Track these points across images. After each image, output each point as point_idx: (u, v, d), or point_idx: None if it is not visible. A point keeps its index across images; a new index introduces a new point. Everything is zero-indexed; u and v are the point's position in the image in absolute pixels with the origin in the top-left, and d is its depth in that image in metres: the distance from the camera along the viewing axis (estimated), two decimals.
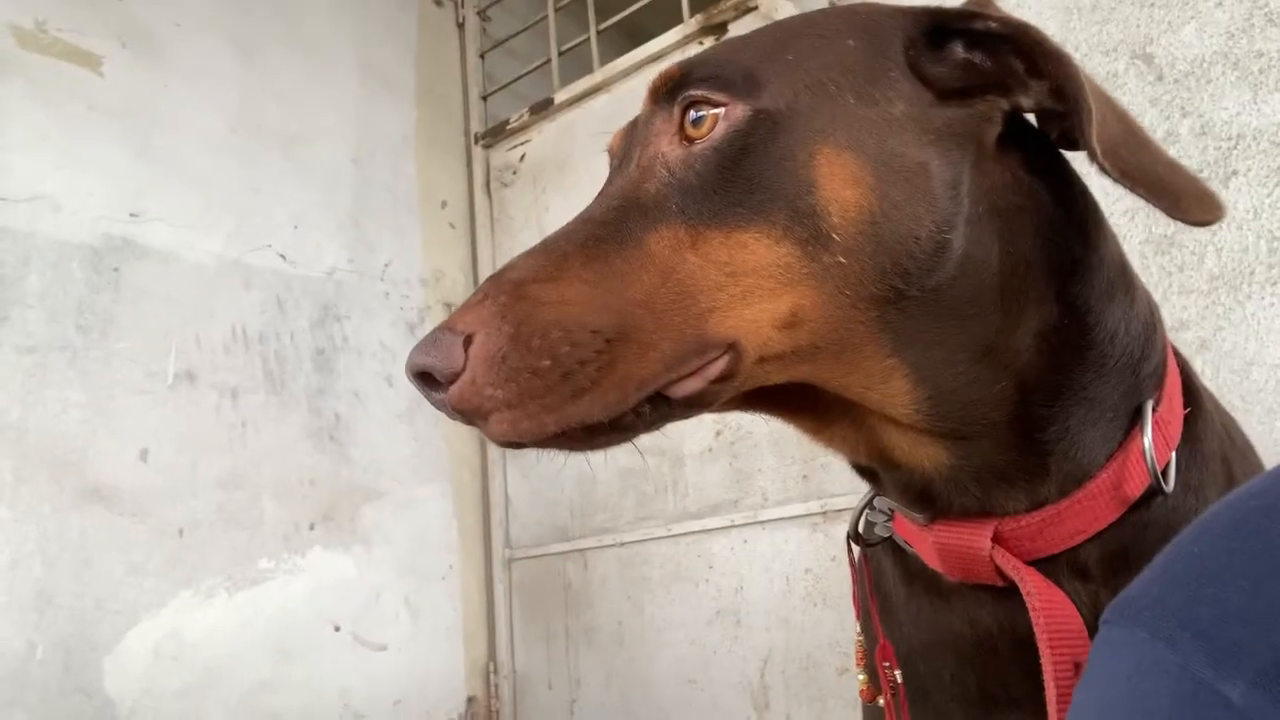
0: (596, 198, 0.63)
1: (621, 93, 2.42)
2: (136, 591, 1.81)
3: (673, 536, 2.16)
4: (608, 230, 0.58)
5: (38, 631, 1.68)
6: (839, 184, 0.57)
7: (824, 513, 1.92)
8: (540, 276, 0.56)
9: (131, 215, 1.94)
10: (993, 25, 0.60)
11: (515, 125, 2.65)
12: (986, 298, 0.60)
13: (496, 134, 2.70)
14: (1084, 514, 0.61)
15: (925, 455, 0.63)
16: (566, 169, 2.53)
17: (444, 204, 2.63)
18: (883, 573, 0.76)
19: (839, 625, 1.88)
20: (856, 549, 0.78)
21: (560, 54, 2.58)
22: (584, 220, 0.60)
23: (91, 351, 1.83)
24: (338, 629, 2.10)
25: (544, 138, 2.61)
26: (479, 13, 2.82)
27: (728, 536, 2.07)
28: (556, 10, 2.62)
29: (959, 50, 0.61)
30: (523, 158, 2.65)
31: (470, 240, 2.68)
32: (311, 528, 2.10)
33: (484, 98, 2.77)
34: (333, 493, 2.16)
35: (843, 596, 1.88)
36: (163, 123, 2.04)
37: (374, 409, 2.29)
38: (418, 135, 2.60)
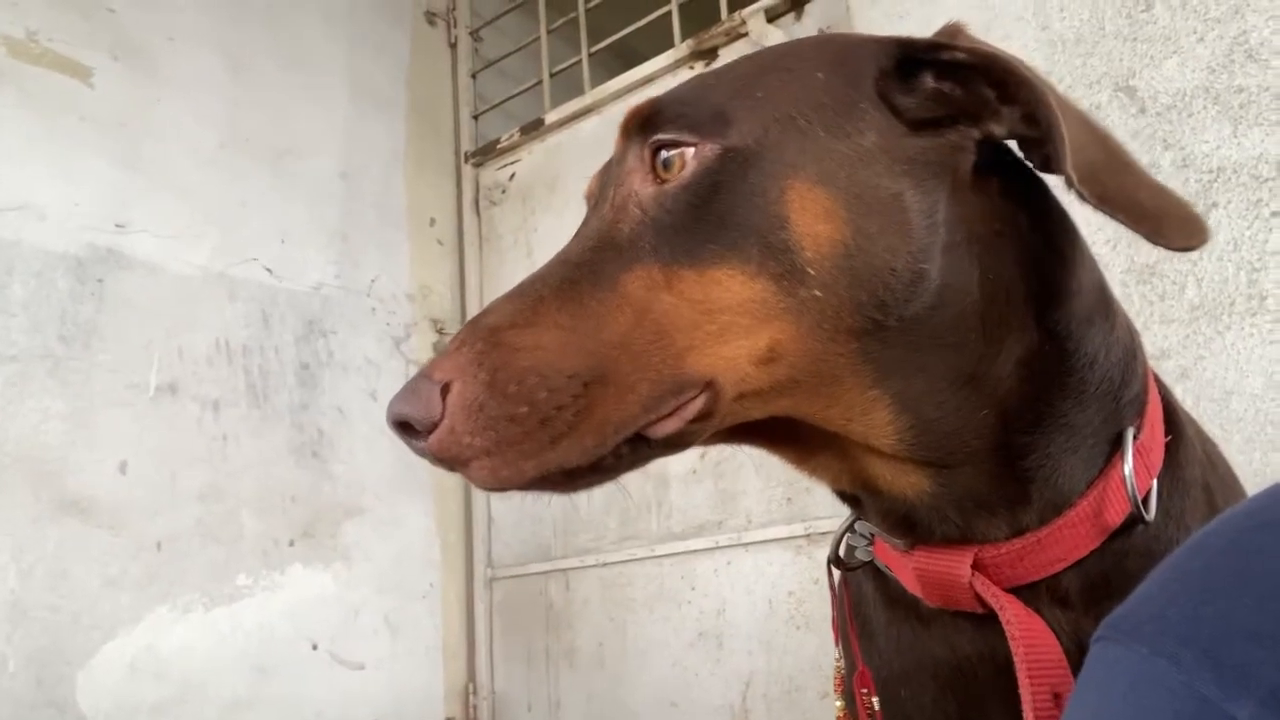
0: (573, 238, 0.63)
1: (612, 115, 2.44)
2: (112, 605, 1.79)
3: (656, 557, 2.15)
4: (583, 272, 0.58)
5: (10, 644, 1.65)
6: (811, 218, 0.57)
7: (807, 535, 1.93)
8: (517, 322, 0.56)
9: (117, 226, 1.94)
10: (960, 55, 0.60)
11: (505, 145, 2.66)
12: (967, 326, 0.60)
13: (486, 153, 2.71)
14: (1064, 542, 0.61)
15: (907, 484, 0.63)
16: (556, 189, 2.54)
17: (432, 221, 2.63)
18: (863, 597, 0.76)
19: (821, 649, 1.88)
20: (837, 573, 0.77)
21: (552, 75, 2.60)
22: (560, 262, 0.60)
23: (73, 361, 1.82)
24: (315, 647, 2.08)
25: (534, 158, 2.62)
26: (471, 33, 2.84)
27: (711, 558, 2.07)
28: (549, 32, 2.64)
29: (929, 80, 0.61)
30: (512, 177, 2.66)
31: (458, 258, 2.68)
32: (291, 544, 2.08)
33: (475, 117, 2.78)
34: (314, 509, 2.14)
35: (825, 619, 1.88)
36: (152, 134, 2.04)
37: (358, 425, 2.27)
38: (408, 152, 2.60)
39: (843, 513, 0.75)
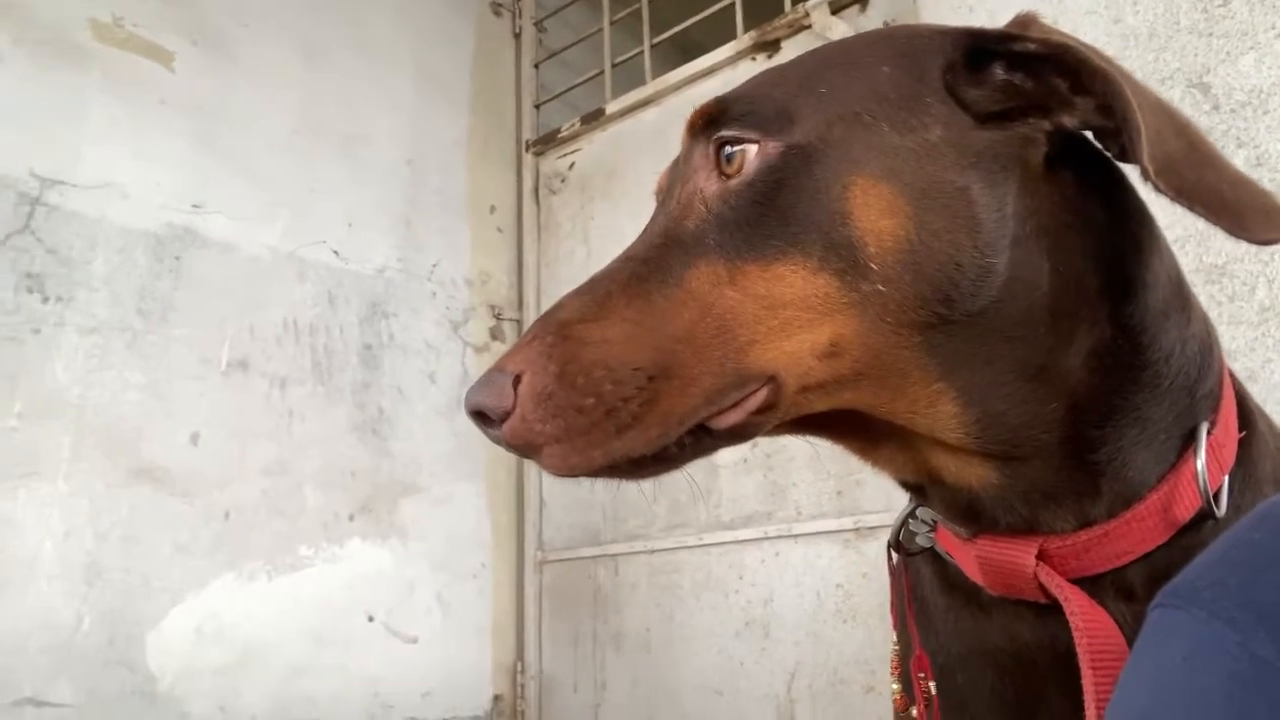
0: (640, 235, 0.64)
1: (672, 105, 2.46)
2: (181, 570, 1.86)
3: (704, 545, 2.17)
4: (649, 268, 0.60)
5: (85, 603, 1.73)
6: (874, 214, 0.57)
7: (857, 529, 1.93)
8: (585, 316, 0.59)
9: (194, 206, 2.01)
10: (1032, 47, 0.60)
11: (566, 134, 2.69)
12: (1036, 319, 0.59)
13: (547, 142, 2.74)
14: (1132, 535, 0.61)
15: (973, 475, 0.63)
16: (615, 178, 2.56)
17: (493, 208, 2.68)
18: (922, 582, 0.76)
19: (868, 642, 1.88)
20: (896, 556, 0.78)
21: (613, 66, 2.62)
22: (627, 259, 0.62)
23: (150, 335, 1.89)
24: (371, 619, 2.14)
25: (594, 147, 2.65)
26: (535, 23, 2.88)
27: (759, 548, 2.08)
28: (611, 23, 2.66)
29: (999, 72, 0.61)
30: (572, 166, 2.69)
31: (517, 245, 2.72)
32: (351, 518, 2.15)
33: (537, 106, 2.82)
34: (373, 485, 2.20)
35: (872, 614, 1.88)
36: (228, 118, 2.11)
37: (416, 405, 2.33)
38: (470, 140, 2.65)
39: (894, 508, 0.75)
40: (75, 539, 1.74)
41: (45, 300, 1.77)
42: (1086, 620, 0.59)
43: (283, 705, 1.96)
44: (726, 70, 2.33)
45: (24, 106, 1.81)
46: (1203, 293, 1.44)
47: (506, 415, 0.57)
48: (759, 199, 0.59)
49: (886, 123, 0.59)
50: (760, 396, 0.57)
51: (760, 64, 2.26)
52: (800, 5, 2.19)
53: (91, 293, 1.83)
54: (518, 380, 0.57)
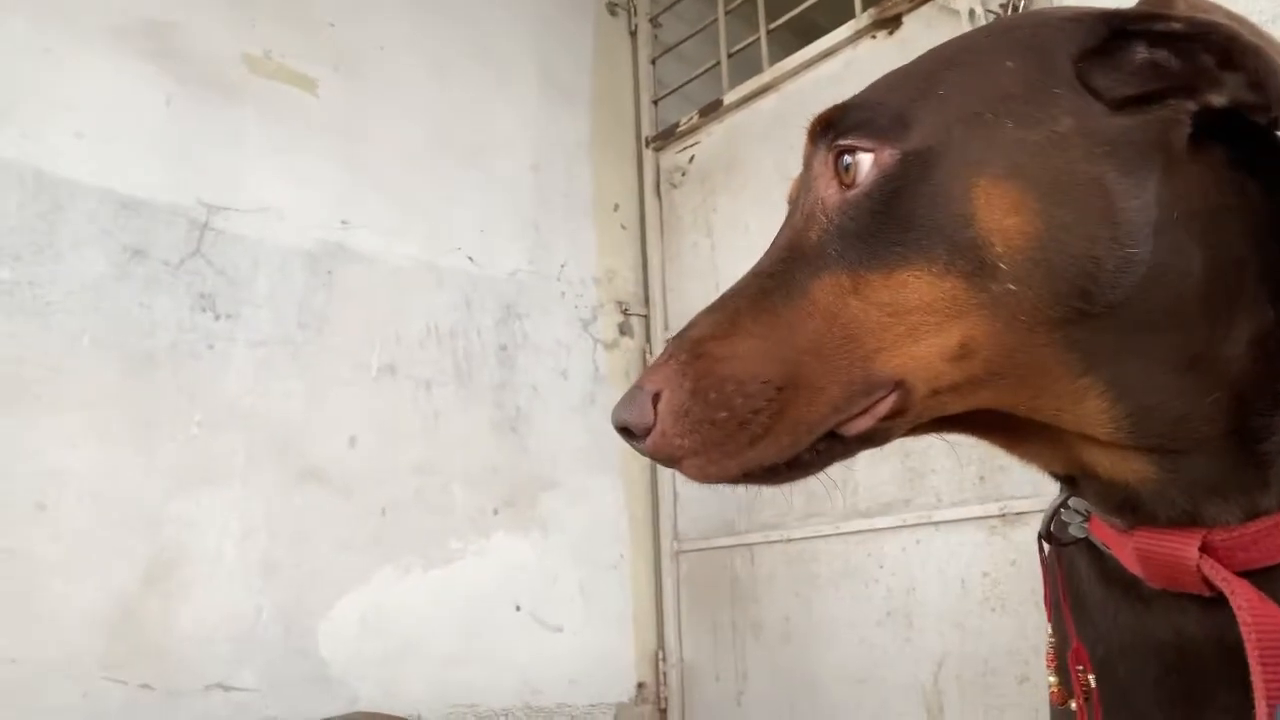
0: (768, 249, 0.66)
1: (790, 91, 2.43)
2: (345, 565, 1.99)
3: (841, 535, 2.15)
4: (775, 282, 0.62)
5: (264, 596, 1.88)
6: (999, 213, 0.56)
7: (1003, 515, 1.87)
8: (716, 333, 0.61)
9: (342, 223, 2.14)
10: (1177, 26, 0.58)
11: (684, 128, 2.71)
12: (1188, 307, 0.58)
13: (666, 137, 2.76)
14: None
15: (1129, 470, 0.61)
16: (734, 169, 2.56)
17: (616, 206, 2.72)
18: (1077, 573, 0.74)
19: (1019, 633, 1.83)
20: (1048, 548, 0.76)
21: (730, 56, 2.62)
22: (754, 274, 0.64)
23: (309, 346, 2.03)
24: (518, 609, 2.23)
25: (712, 139, 2.65)
26: (651, 19, 2.90)
27: (899, 536, 2.05)
28: (727, 13, 2.66)
29: (1141, 53, 0.59)
30: (691, 159, 2.70)
31: (640, 241, 2.76)
32: (495, 513, 2.24)
33: (655, 102, 2.85)
34: (513, 480, 2.29)
35: (1023, 603, 1.82)
36: (368, 138, 2.23)
37: (550, 402, 2.40)
38: (592, 140, 2.70)
39: (1041, 493, 0.74)
40: (252, 538, 1.89)
41: (217, 318, 1.93)
42: (1255, 615, 0.57)
43: (441, 691, 2.07)
44: (847, 50, 2.29)
45: (190, 140, 1.97)
46: None
47: (649, 431, 0.60)
48: (878, 208, 0.59)
49: (1010, 119, 0.59)
50: (889, 402, 0.58)
51: (881, 42, 2.21)
52: None
53: (256, 309, 1.98)
54: (657, 397, 0.60)
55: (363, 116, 2.23)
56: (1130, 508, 0.63)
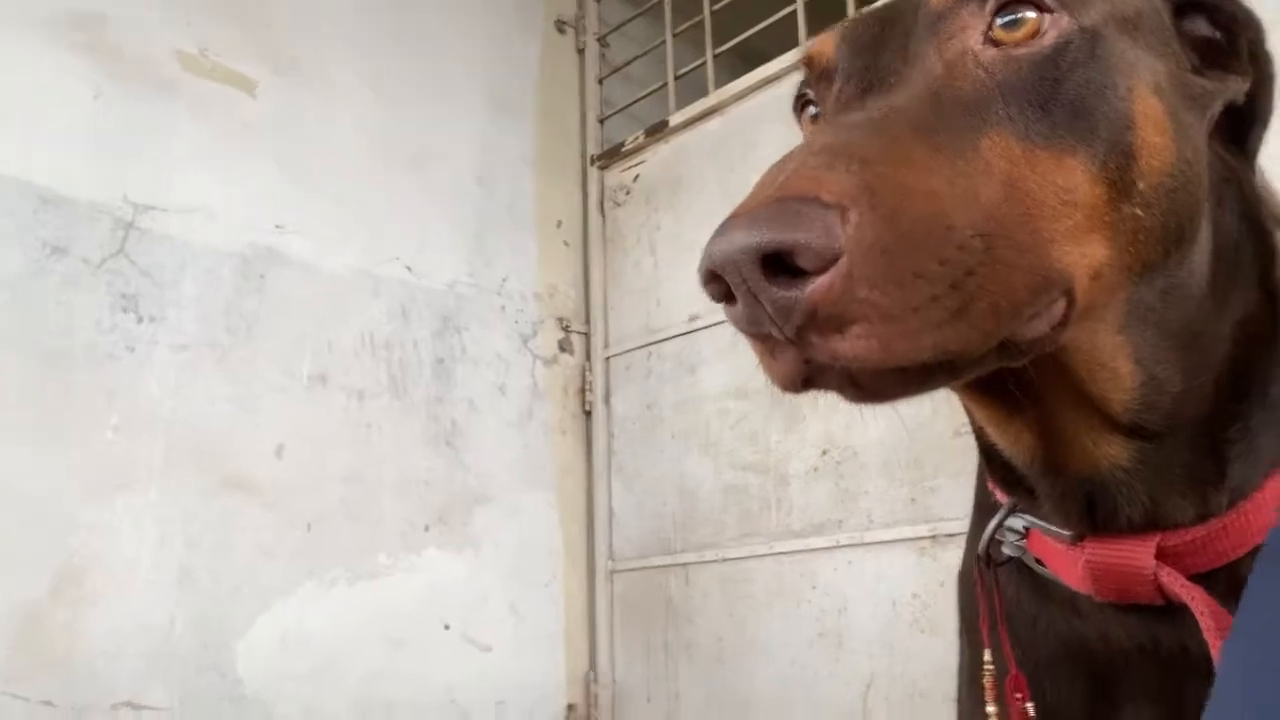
0: (890, 89, 0.54)
1: (734, 115, 2.46)
2: (267, 577, 1.92)
3: (775, 555, 2.15)
4: (935, 122, 0.50)
5: (179, 607, 1.81)
6: (1151, 126, 0.54)
7: (933, 536, 1.89)
8: (896, 158, 0.46)
9: (277, 227, 2.09)
10: (1232, 9, 0.61)
11: (630, 147, 2.72)
12: (1200, 280, 0.58)
13: (612, 155, 2.77)
14: (1248, 526, 0.58)
15: (1104, 455, 0.60)
16: (679, 189, 2.58)
17: (559, 223, 2.72)
18: (1005, 594, 0.73)
19: (947, 653, 1.83)
20: (987, 572, 0.74)
21: (676, 78, 2.64)
22: (890, 109, 0.51)
23: (237, 351, 1.97)
24: (447, 627, 2.18)
25: (658, 159, 2.67)
26: (599, 39, 2.92)
27: (832, 557, 2.06)
28: (674, 35, 2.68)
29: (1203, 26, 0.61)
30: (636, 178, 2.71)
31: (583, 258, 2.75)
32: (426, 528, 2.19)
33: (601, 120, 2.86)
34: (447, 495, 2.25)
35: (951, 624, 1.84)
36: (308, 142, 2.19)
37: (487, 417, 2.37)
38: (537, 156, 2.70)
39: (971, 514, 0.73)
40: (168, 546, 1.82)
41: (139, 320, 1.86)
42: (1218, 620, 0.55)
43: (364, 712, 2.00)
44: (790, 77, 2.33)
45: (118, 136, 1.91)
46: None
47: (830, 262, 0.42)
48: (1050, 77, 0.53)
49: (1147, 40, 0.58)
50: (1061, 305, 0.50)
51: None
52: (860, 10, 2.18)
53: (181, 311, 1.92)
54: (844, 215, 0.42)
55: (303, 120, 2.19)
56: (1090, 507, 0.62)
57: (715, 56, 2.54)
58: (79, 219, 1.82)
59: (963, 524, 1.85)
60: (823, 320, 0.43)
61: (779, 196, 0.42)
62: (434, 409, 2.27)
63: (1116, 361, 0.56)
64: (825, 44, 0.62)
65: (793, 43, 2.34)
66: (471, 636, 2.21)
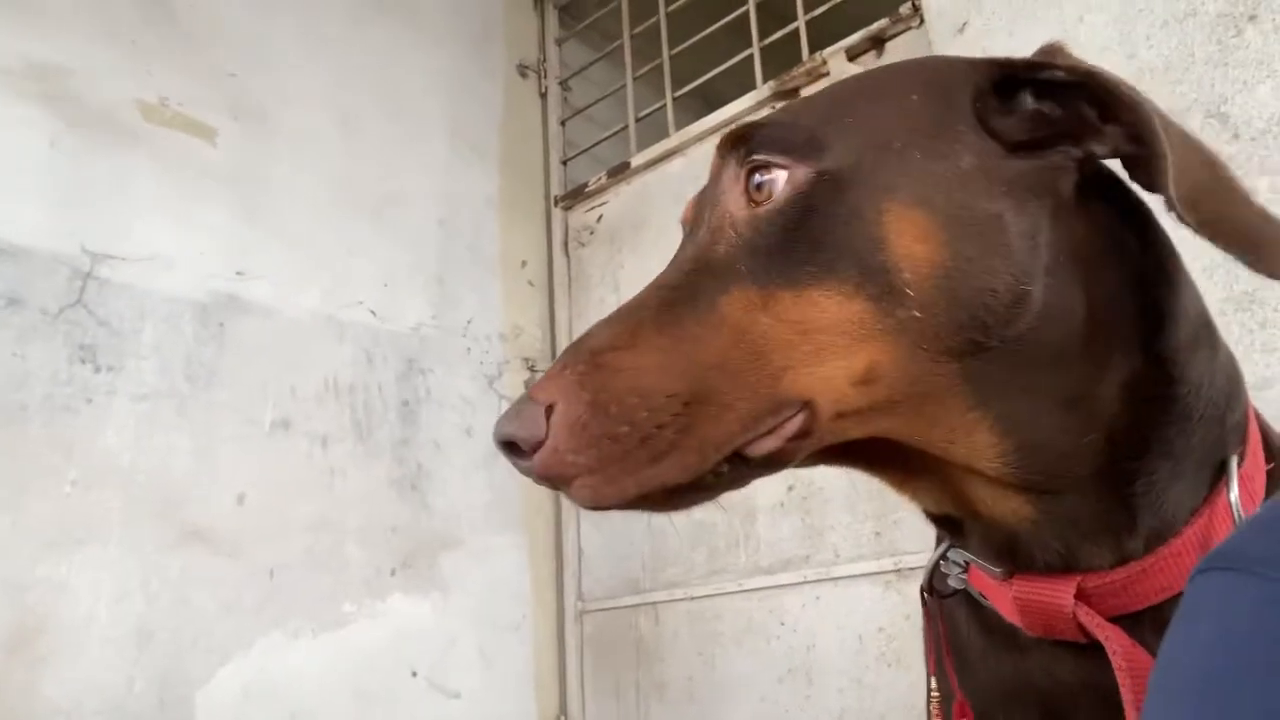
0: (670, 263, 0.64)
1: (696, 156, 2.50)
2: (229, 630, 1.89)
3: (744, 591, 2.16)
4: (680, 294, 0.59)
5: (137, 665, 1.77)
6: (909, 239, 0.57)
7: (897, 570, 1.91)
8: (616, 344, 0.58)
9: (237, 273, 2.08)
10: (1059, 74, 0.61)
11: (593, 188, 2.75)
12: (1072, 347, 0.59)
13: (575, 196, 2.80)
14: (1170, 570, 0.60)
15: (1008, 509, 0.62)
16: (642, 229, 2.61)
17: (524, 263, 2.73)
18: (957, 625, 0.75)
19: (914, 686, 1.85)
20: (930, 600, 0.76)
21: (637, 120, 2.69)
22: (657, 286, 0.61)
23: (196, 400, 1.95)
24: (415, 674, 2.15)
25: (620, 199, 2.70)
26: (561, 83, 2.96)
27: (799, 593, 2.07)
28: (634, 79, 2.73)
29: (1028, 101, 0.62)
30: (600, 219, 2.74)
31: (548, 298, 2.77)
32: (392, 573, 2.17)
33: (564, 162, 2.89)
34: (413, 540, 2.23)
35: (917, 657, 1.85)
36: (269, 188, 2.19)
37: (454, 459, 2.36)
38: (500, 198, 2.72)
39: (934, 547, 0.75)
40: (127, 602, 1.78)
41: (97, 370, 1.84)
42: (1129, 660, 0.58)
43: None
44: (749, 119, 2.37)
45: (76, 185, 1.89)
46: (1233, 320, 1.43)
47: (538, 446, 0.56)
48: (790, 225, 0.59)
49: (918, 150, 0.60)
50: (796, 423, 0.57)
51: None
52: (818, 54, 2.23)
53: (141, 361, 1.90)
54: (550, 410, 0.56)
55: (263, 166, 2.19)
56: (1009, 551, 0.64)
57: (675, 99, 2.59)
58: (36, 270, 1.80)
59: (924, 557, 1.87)
60: (550, 479, 0.56)
61: (522, 398, 0.58)
62: (399, 452, 2.26)
63: (974, 435, 0.60)
64: (688, 209, 0.71)
65: (750, 85, 2.39)
66: (439, 683, 2.18)
